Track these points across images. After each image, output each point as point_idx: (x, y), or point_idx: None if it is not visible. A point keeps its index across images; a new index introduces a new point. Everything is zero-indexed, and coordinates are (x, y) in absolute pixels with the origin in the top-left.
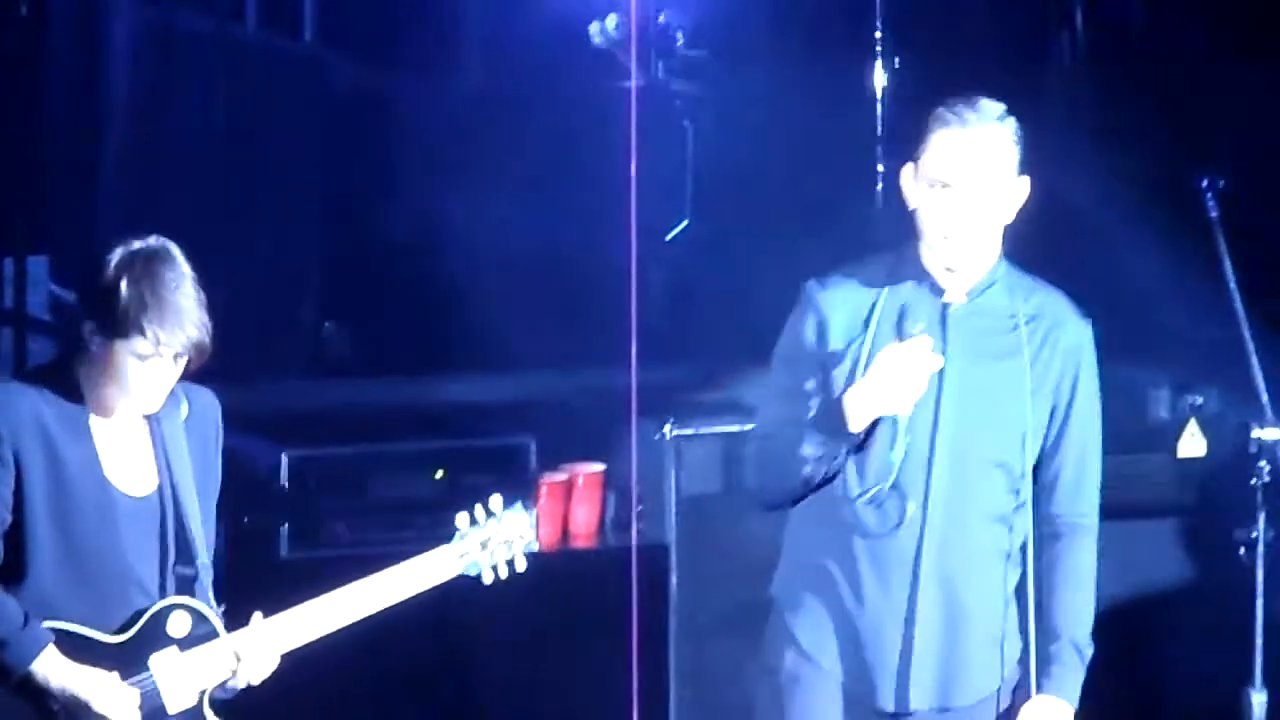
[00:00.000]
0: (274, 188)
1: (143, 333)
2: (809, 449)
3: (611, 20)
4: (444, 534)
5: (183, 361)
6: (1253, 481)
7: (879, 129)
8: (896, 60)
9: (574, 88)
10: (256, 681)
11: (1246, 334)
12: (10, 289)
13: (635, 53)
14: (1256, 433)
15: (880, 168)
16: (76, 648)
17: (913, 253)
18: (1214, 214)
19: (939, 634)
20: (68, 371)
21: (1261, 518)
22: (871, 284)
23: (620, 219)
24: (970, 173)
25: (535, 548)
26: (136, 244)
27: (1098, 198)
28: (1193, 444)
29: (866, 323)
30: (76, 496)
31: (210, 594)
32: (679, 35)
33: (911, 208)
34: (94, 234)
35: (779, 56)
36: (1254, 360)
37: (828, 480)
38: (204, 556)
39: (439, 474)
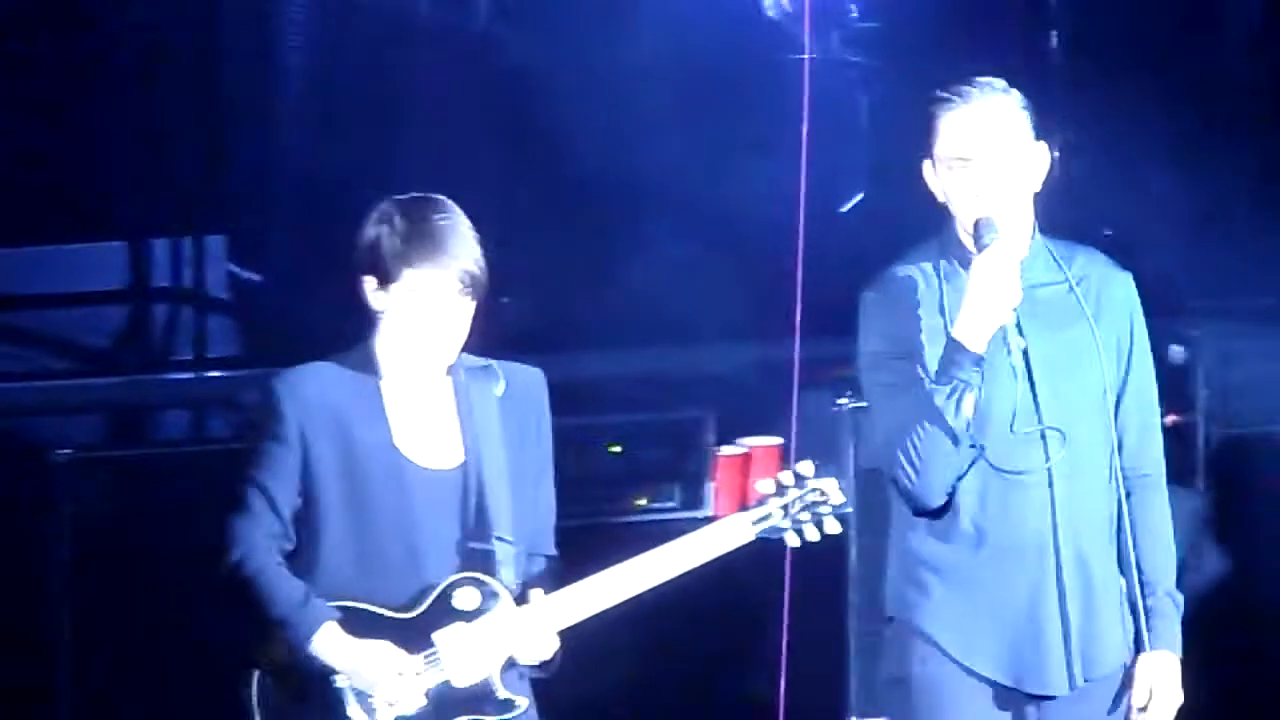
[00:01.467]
0: (447, 164)
1: (410, 263)
2: (942, 398)
3: None
4: (620, 509)
5: (467, 302)
6: None
7: (1050, 101)
8: (1067, 33)
9: (748, 59)
10: (540, 659)
11: None
12: (189, 268)
13: (809, 24)
14: None
15: (1056, 152)
16: (363, 623)
17: (953, 239)
18: None
19: (1080, 605)
20: (364, 349)
21: None
22: (925, 279)
23: (796, 191)
24: (986, 143)
25: (848, 510)
26: (397, 197)
27: None
28: None
29: (933, 313)
30: (368, 472)
31: (511, 570)
32: (853, 7)
33: (941, 200)
34: (271, 213)
35: (950, 28)
36: None
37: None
38: (506, 532)
39: (615, 449)
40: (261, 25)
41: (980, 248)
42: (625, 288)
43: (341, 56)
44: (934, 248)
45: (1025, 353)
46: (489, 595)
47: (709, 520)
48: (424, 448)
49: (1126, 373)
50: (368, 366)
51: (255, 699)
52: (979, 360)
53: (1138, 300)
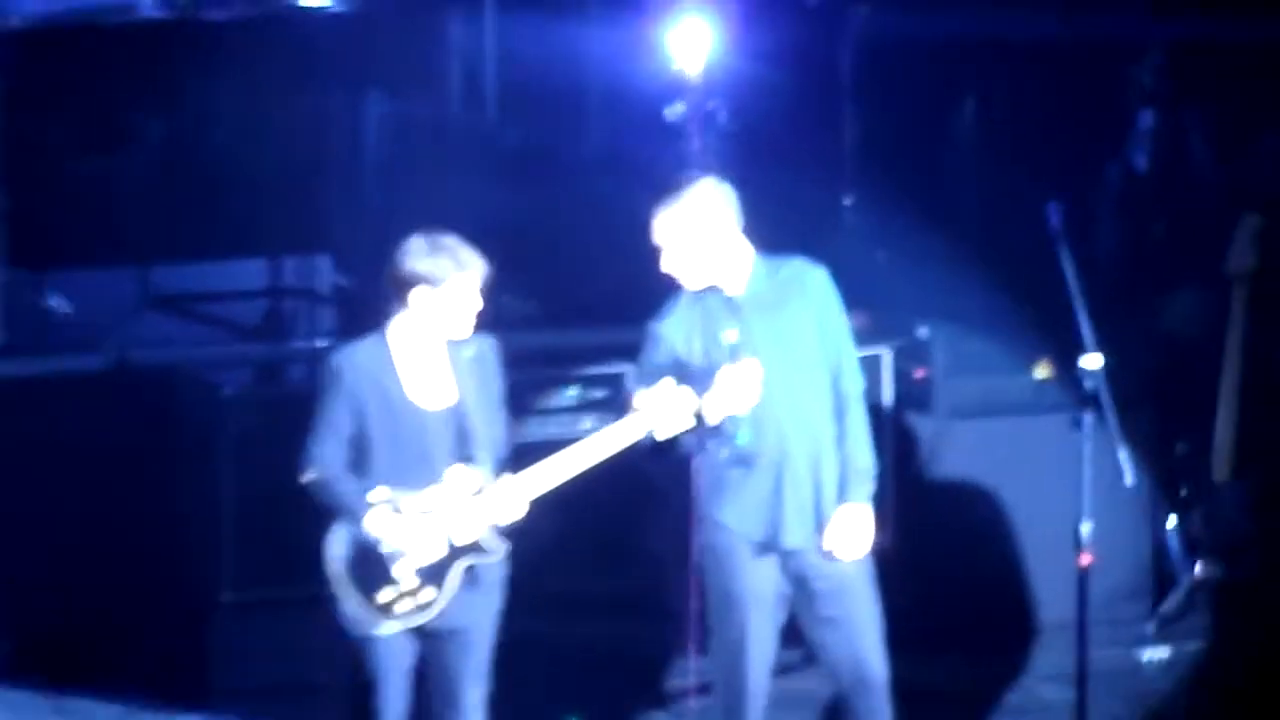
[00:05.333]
0: (467, 213)
1: (457, 271)
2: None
3: (679, 105)
4: (575, 429)
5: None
6: None
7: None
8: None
9: (660, 145)
10: (513, 520)
11: None
12: (309, 275)
13: (691, 127)
14: None
15: (847, 200)
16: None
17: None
18: None
19: (810, 488)
20: (383, 333)
21: None
22: (689, 305)
23: None
24: (692, 229)
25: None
26: (416, 235)
27: None
28: None
29: (690, 326)
30: (395, 413)
31: (488, 470)
32: (722, 116)
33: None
34: (361, 237)
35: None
36: None
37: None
38: (483, 448)
39: (572, 391)
40: (353, 129)
41: (733, 360)
42: (578, 288)
43: (396, 150)
44: (692, 294)
45: (753, 340)
46: (478, 480)
47: None
48: (428, 396)
49: (829, 327)
50: (389, 343)
51: (342, 557)
52: (711, 427)
53: (828, 280)
